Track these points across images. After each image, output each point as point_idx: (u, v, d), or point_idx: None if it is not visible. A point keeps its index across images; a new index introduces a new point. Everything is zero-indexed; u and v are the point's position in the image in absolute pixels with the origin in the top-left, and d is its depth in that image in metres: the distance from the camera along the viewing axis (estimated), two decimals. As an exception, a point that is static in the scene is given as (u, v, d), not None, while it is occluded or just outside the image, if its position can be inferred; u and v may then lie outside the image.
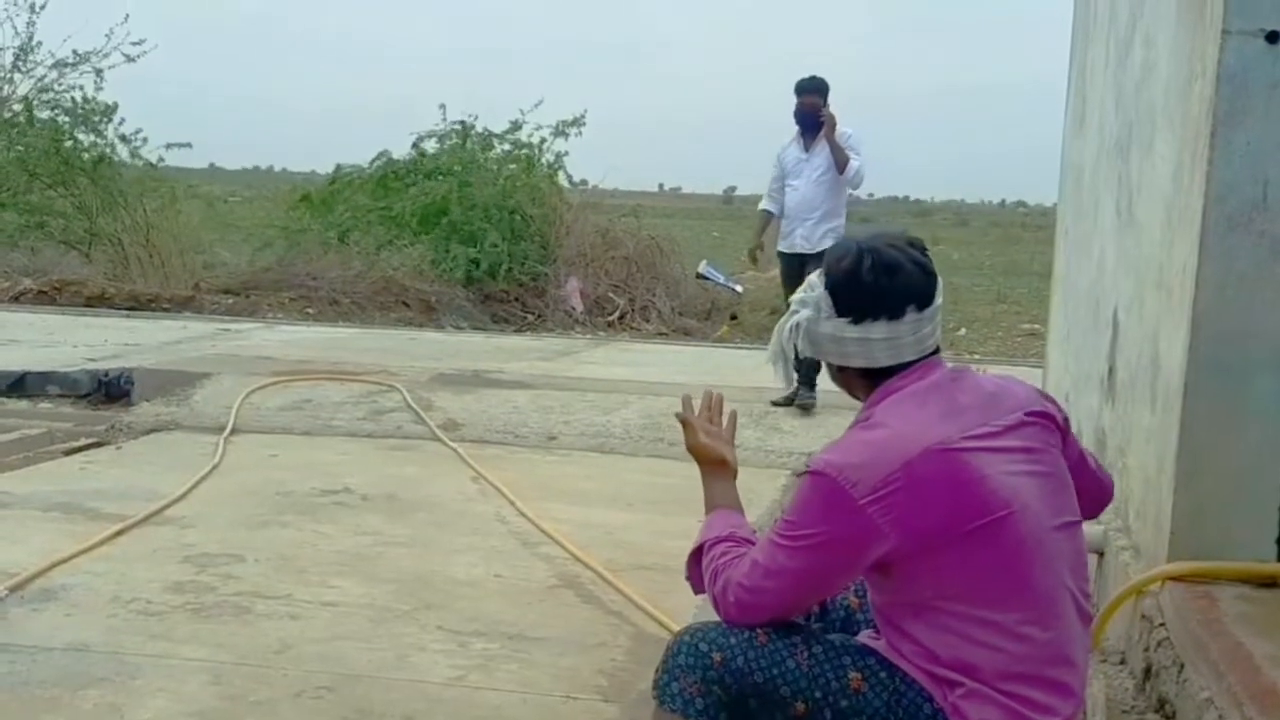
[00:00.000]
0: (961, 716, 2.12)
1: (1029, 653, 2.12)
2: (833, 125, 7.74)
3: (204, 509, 5.34)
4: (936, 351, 2.33)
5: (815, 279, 2.35)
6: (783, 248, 8.15)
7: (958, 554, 2.11)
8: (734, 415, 2.72)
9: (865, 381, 2.32)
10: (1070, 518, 2.26)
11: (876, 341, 2.26)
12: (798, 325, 2.34)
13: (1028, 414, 2.26)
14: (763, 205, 8.41)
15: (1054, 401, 2.40)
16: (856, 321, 2.26)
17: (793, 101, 8.01)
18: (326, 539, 4.95)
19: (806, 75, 7.92)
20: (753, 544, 2.37)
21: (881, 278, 2.25)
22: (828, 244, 7.30)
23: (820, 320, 2.30)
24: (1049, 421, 2.31)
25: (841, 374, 2.37)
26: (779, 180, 8.16)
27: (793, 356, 2.40)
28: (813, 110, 7.80)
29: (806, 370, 7.63)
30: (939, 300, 2.31)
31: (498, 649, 3.80)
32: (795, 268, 7.83)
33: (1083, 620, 2.23)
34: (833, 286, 2.29)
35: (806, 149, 7.96)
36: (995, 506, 2.11)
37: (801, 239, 7.93)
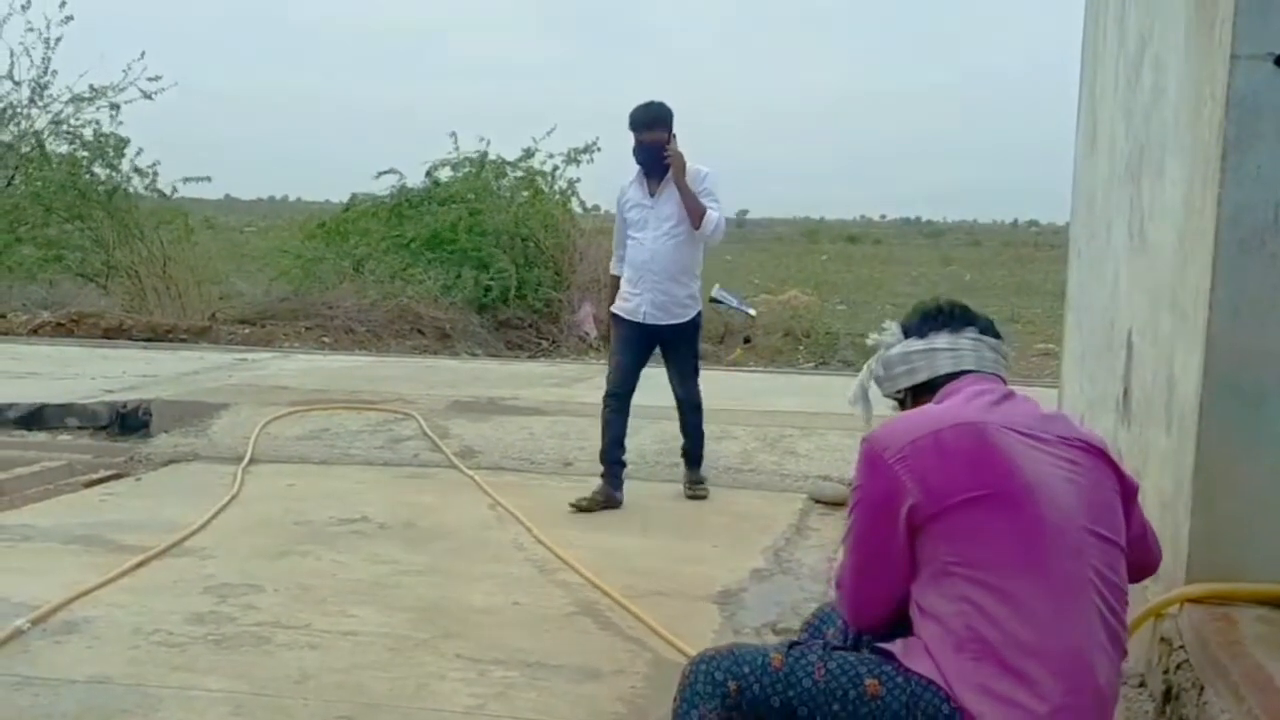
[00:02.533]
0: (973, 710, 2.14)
1: (1043, 635, 2.15)
2: (681, 166, 6.15)
3: (223, 539, 5.37)
4: (1001, 379, 2.54)
5: (889, 322, 2.67)
6: (622, 311, 6.36)
7: (975, 515, 2.21)
8: None
9: (933, 397, 2.53)
10: (1108, 533, 2.30)
11: (940, 351, 2.54)
12: (876, 357, 2.66)
13: (1082, 440, 2.36)
14: (614, 268, 6.59)
15: (1124, 469, 2.47)
16: (921, 336, 2.58)
17: (629, 137, 6.33)
18: (345, 568, 4.97)
19: (643, 103, 6.27)
20: None
21: (944, 303, 2.63)
22: (690, 315, 6.34)
23: (892, 348, 2.62)
24: (1105, 461, 2.38)
25: (916, 402, 2.57)
26: (624, 232, 6.44)
27: (870, 390, 2.73)
28: (655, 148, 6.18)
29: (610, 484, 6.27)
30: (1003, 342, 2.59)
31: (517, 677, 3.82)
32: (640, 342, 6.35)
33: (1111, 641, 2.23)
34: (904, 319, 2.65)
35: (651, 194, 6.27)
36: (1017, 482, 2.23)
37: (653, 308, 6.26)
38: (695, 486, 6.52)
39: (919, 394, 2.57)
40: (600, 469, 6.34)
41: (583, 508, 6.09)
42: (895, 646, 2.28)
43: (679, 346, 6.41)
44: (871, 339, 2.68)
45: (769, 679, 2.25)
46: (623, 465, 6.35)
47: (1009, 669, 2.14)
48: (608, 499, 6.20)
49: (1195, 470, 3.15)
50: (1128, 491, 2.42)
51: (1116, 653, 2.26)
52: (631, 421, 8.16)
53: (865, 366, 2.70)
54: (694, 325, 6.44)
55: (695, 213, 6.17)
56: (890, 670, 2.23)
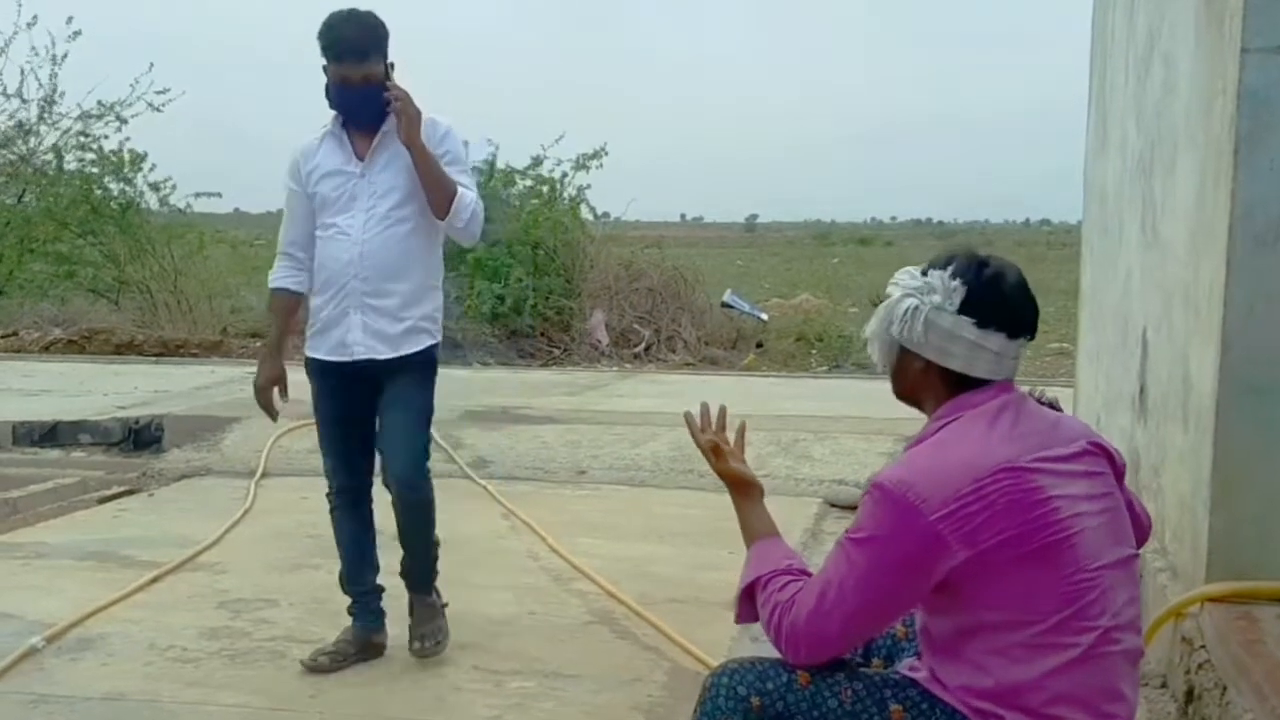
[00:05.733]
0: None
1: (1078, 679, 2.11)
2: (414, 116, 3.79)
3: (237, 554, 5.37)
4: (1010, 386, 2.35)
5: (938, 275, 2.26)
6: (317, 351, 4.03)
7: (1017, 573, 2.10)
8: (742, 426, 2.71)
9: (944, 389, 2.29)
10: (1128, 550, 2.25)
11: (986, 352, 2.24)
12: (917, 309, 2.27)
13: (1089, 443, 2.28)
14: (276, 280, 4.07)
15: (1114, 452, 2.39)
16: (980, 325, 2.23)
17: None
18: (359, 580, 4.95)
19: (343, 12, 3.81)
20: (810, 575, 2.34)
21: (1018, 295, 2.26)
22: (420, 345, 4.00)
23: (944, 312, 2.24)
24: (1106, 455, 2.32)
25: (924, 375, 2.30)
26: (304, 222, 4.00)
27: (896, 342, 2.32)
28: (367, 86, 3.80)
29: (363, 621, 4.11)
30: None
31: (534, 687, 3.80)
32: (354, 394, 4.00)
33: (1129, 657, 2.21)
34: (973, 284, 2.23)
35: (360, 155, 3.92)
36: (1059, 528, 2.11)
37: (365, 334, 3.92)
38: (424, 640, 4.03)
39: (929, 367, 2.28)
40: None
41: (320, 667, 3.92)
42: (920, 674, 2.24)
43: (402, 394, 3.99)
44: (913, 284, 2.30)
45: (794, 697, 2.21)
46: (378, 594, 4.18)
47: (1044, 717, 2.10)
48: (361, 646, 4.05)
49: (1214, 468, 3.13)
50: (1119, 474, 2.35)
51: (1136, 671, 2.24)
52: (644, 429, 8.17)
53: (901, 310, 2.29)
54: (426, 363, 4.04)
55: (442, 193, 3.85)
56: (916, 696, 2.20)
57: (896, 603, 2.21)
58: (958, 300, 2.23)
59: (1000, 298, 2.24)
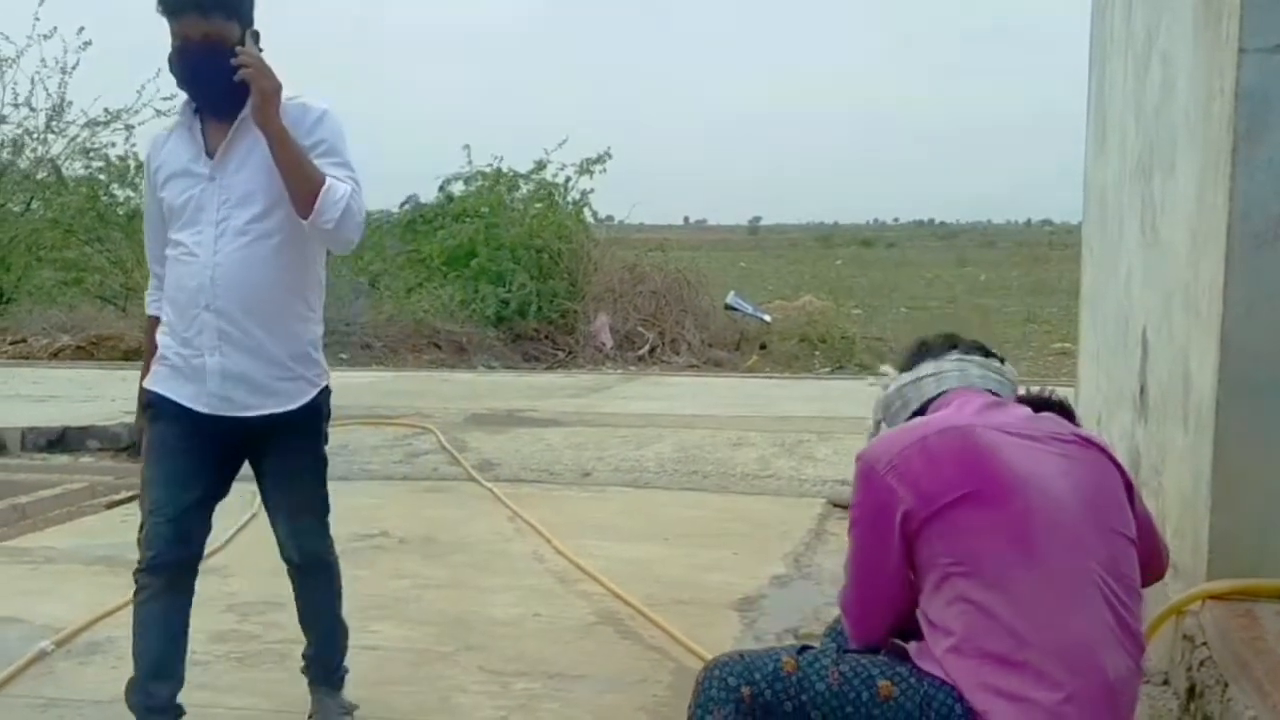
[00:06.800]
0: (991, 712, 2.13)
1: (1043, 630, 2.14)
2: (272, 90, 2.97)
3: (244, 557, 5.37)
4: (995, 395, 2.55)
5: (886, 366, 2.82)
6: (163, 388, 3.17)
7: (966, 516, 2.21)
8: None
9: None
10: (1114, 525, 2.29)
11: (925, 378, 2.60)
12: (879, 399, 2.70)
13: (1076, 434, 2.38)
14: (148, 304, 3.35)
15: (1122, 463, 2.47)
16: (909, 369, 2.65)
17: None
18: (365, 583, 4.96)
19: None
20: None
21: (929, 336, 2.74)
22: (302, 398, 3.19)
23: (890, 386, 2.68)
24: (1101, 452, 2.39)
25: None
26: (161, 231, 3.20)
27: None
28: (213, 50, 2.96)
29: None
30: (993, 360, 2.64)
31: (539, 688, 3.82)
32: (202, 451, 3.16)
33: (1124, 634, 2.22)
34: (898, 361, 2.72)
35: (210, 149, 3.10)
36: (1005, 477, 2.24)
37: (223, 382, 3.09)
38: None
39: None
40: None
41: None
42: (910, 647, 2.28)
43: (286, 456, 3.27)
44: (870, 381, 2.79)
45: (781, 684, 2.25)
46: (175, 715, 3.24)
47: (1014, 664, 2.13)
48: None
49: (1214, 467, 3.14)
50: (1126, 486, 2.41)
51: (1132, 647, 2.25)
52: (648, 431, 8.21)
53: (874, 405, 2.75)
54: (313, 415, 3.26)
55: (305, 186, 3.00)
56: (904, 671, 2.23)
57: (883, 565, 2.34)
58: (892, 373, 2.71)
59: (913, 345, 2.73)
